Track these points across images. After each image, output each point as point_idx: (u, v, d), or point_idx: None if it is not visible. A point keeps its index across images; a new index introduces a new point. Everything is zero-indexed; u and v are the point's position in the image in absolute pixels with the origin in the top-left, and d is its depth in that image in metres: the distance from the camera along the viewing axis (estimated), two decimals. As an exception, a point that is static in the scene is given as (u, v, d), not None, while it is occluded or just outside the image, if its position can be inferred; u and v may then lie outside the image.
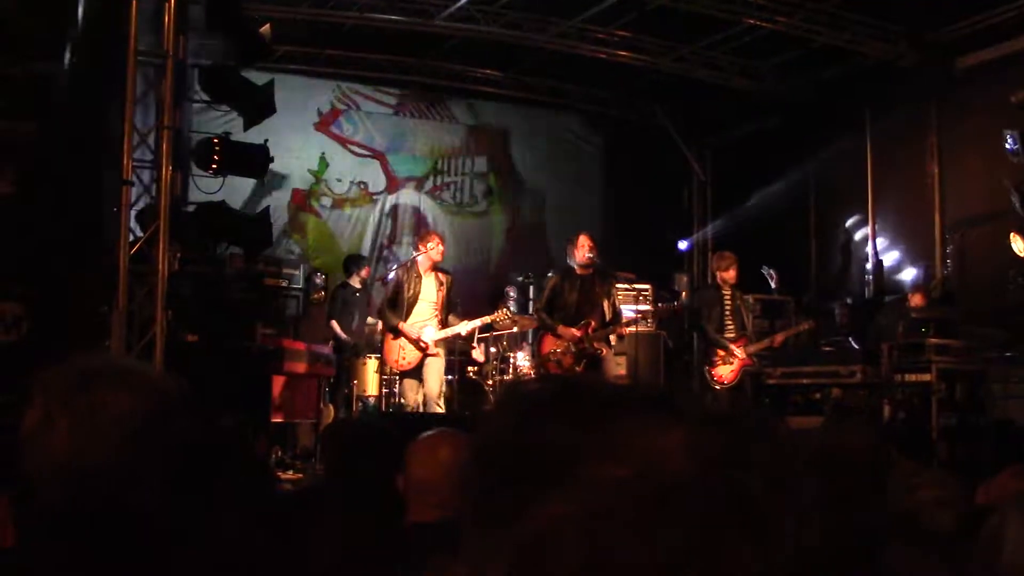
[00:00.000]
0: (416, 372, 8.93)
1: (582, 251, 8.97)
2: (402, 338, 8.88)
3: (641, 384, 0.81)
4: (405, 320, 8.91)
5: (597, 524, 0.70)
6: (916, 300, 10.62)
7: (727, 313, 9.53)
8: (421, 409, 8.79)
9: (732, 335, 9.49)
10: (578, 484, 0.72)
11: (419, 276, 9.00)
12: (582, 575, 0.70)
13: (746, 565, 0.70)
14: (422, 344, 8.83)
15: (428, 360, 8.90)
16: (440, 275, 9.08)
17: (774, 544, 0.71)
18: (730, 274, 9.54)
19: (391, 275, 9.42)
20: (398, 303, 8.96)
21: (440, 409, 8.83)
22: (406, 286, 8.98)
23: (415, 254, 9.22)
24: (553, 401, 0.78)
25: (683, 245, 15.44)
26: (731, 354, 9.43)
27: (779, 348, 9.88)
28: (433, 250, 9.00)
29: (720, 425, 0.75)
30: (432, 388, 8.89)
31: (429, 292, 8.99)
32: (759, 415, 0.79)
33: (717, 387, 9.43)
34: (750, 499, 0.71)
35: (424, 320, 8.91)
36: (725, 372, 9.45)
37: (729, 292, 9.58)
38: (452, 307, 9.12)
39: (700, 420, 0.75)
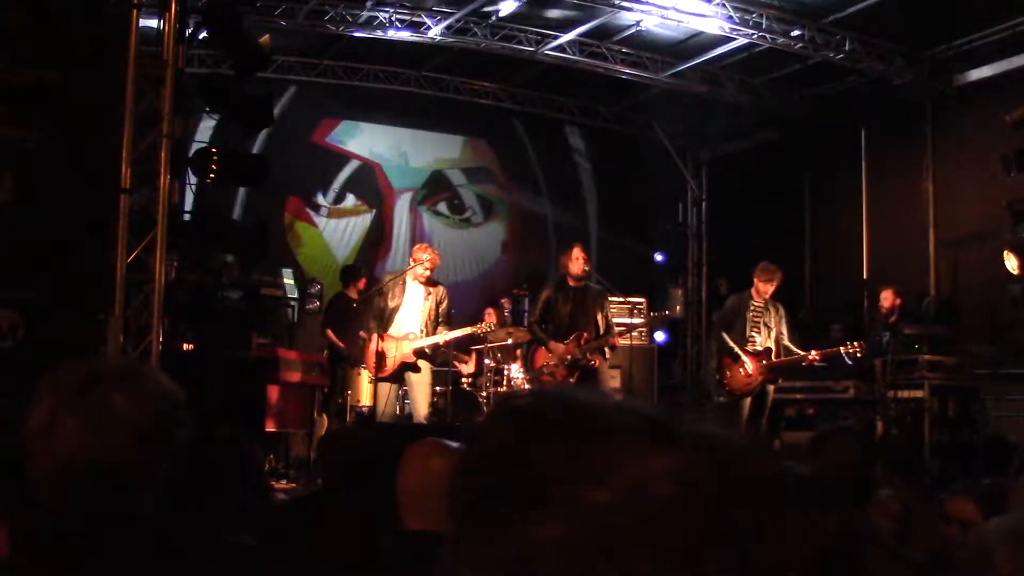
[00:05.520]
0: (393, 380, 8.80)
1: (577, 263, 8.83)
2: (381, 345, 8.72)
3: (633, 404, 0.80)
4: (387, 329, 8.77)
5: (579, 548, 0.70)
6: (887, 296, 10.56)
7: (753, 324, 9.07)
8: (394, 419, 8.64)
9: (757, 347, 9.02)
10: (562, 506, 0.71)
11: (404, 286, 8.84)
12: None
13: None
14: (391, 358, 8.71)
15: (413, 378, 8.75)
16: (430, 287, 8.85)
17: (755, 572, 0.71)
18: (768, 288, 9.12)
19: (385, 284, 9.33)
20: (383, 313, 8.84)
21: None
22: (389, 295, 8.86)
23: (410, 264, 9.04)
24: (543, 418, 0.77)
25: (659, 258, 15.36)
26: (742, 363, 8.95)
27: (815, 365, 9.26)
28: (419, 263, 8.76)
29: (708, 451, 0.74)
30: (419, 407, 8.73)
31: (415, 303, 8.81)
32: (750, 437, 0.78)
33: (724, 398, 9.00)
34: (734, 530, 0.71)
35: (408, 331, 8.77)
36: (737, 383, 9.00)
37: (761, 303, 9.13)
38: (444, 320, 8.83)
39: (689, 446, 0.74)
